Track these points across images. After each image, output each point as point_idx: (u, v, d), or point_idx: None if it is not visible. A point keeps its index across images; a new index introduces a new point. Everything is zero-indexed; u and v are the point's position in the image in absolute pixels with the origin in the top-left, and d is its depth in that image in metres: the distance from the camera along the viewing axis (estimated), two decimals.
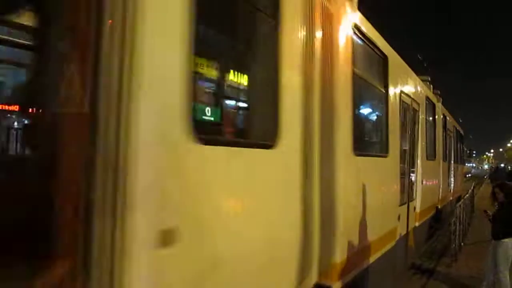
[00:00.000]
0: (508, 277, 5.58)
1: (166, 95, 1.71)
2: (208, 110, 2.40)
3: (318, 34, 3.18)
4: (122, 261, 1.51)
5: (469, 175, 50.43)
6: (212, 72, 2.63)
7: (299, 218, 2.83)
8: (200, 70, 2.38)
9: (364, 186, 3.99)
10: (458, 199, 11.72)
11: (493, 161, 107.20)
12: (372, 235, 4.21)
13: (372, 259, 4.31)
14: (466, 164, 17.04)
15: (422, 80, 8.28)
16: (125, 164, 1.54)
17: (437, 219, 9.70)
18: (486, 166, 52.58)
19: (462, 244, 8.89)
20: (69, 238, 1.58)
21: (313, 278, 3.10)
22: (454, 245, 8.28)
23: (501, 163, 74.75)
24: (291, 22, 2.78)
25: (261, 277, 2.39)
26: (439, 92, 11.35)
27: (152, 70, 1.63)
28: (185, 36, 1.78)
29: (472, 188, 16.16)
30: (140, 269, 1.56)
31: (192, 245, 1.80)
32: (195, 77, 2.04)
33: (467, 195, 12.53)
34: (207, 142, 1.91)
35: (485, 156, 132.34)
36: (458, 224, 8.52)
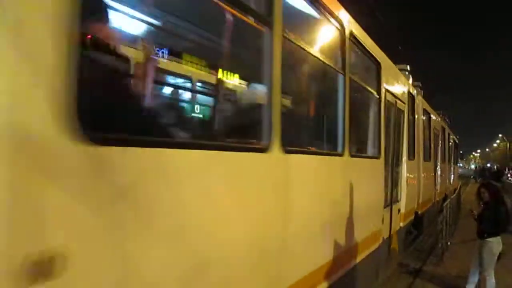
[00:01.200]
0: (493, 276, 5.62)
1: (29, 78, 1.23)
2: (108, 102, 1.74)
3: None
4: None
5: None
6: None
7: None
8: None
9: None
10: (445, 199, 11.66)
11: (480, 161, 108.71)
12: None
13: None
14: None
15: (400, 70, 7.77)
16: None
17: (416, 226, 8.68)
18: (472, 166, 53.20)
19: (449, 243, 8.97)
20: None
21: None
22: (441, 245, 8.35)
23: (488, 163, 75.83)
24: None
25: None
26: (420, 85, 10.54)
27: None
28: None
29: (459, 187, 16.33)
30: None
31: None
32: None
33: (454, 194, 12.67)
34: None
35: (472, 156, 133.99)
36: (445, 223, 8.60)
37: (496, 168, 32.83)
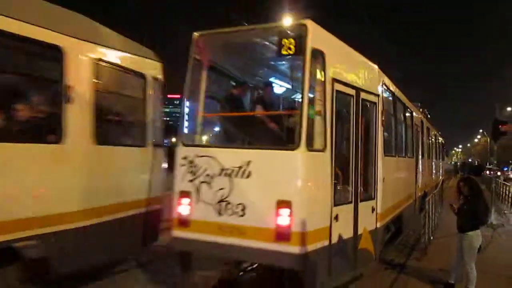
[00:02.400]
0: (474, 268, 5.70)
1: None
2: None
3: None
4: None
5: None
6: None
7: None
8: None
9: None
10: (425, 194, 11.73)
11: (462, 156, 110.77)
12: None
13: None
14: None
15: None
16: None
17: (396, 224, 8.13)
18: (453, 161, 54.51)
19: (432, 238, 9.08)
20: None
21: None
22: (424, 239, 8.43)
23: (469, 158, 77.26)
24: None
25: None
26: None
27: None
28: None
29: (441, 182, 16.57)
30: None
31: None
32: None
33: (436, 189, 12.82)
34: None
35: (454, 151, 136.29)
36: (427, 218, 8.70)
37: (477, 163, 33.79)
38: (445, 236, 9.16)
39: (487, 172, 34.89)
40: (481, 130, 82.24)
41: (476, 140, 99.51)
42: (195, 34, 5.42)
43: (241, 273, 6.13)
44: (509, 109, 46.70)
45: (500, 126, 13.29)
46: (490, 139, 23.78)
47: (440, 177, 19.81)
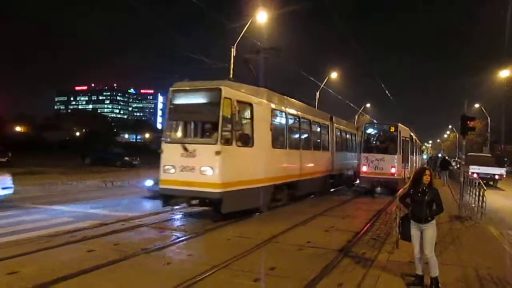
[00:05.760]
0: (435, 255, 5.87)
1: None
2: None
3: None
4: None
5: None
6: None
7: None
8: None
9: None
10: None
11: (432, 151, 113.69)
12: None
13: None
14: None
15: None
16: None
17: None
18: (425, 157, 55.84)
19: (400, 229, 9.19)
20: None
21: None
22: (395, 232, 8.54)
23: (438, 154, 79.43)
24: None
25: None
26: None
27: None
28: None
29: (409, 176, 16.93)
30: None
31: None
32: None
33: (406, 185, 13.06)
34: None
35: (424, 146, 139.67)
36: (398, 212, 8.82)
37: (444, 157, 35.35)
38: None
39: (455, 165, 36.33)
40: (450, 126, 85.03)
41: (445, 135, 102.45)
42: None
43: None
44: (477, 105, 48.27)
45: (468, 122, 13.60)
46: (459, 134, 24.68)
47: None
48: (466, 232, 10.37)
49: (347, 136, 23.03)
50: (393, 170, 18.35)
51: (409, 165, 21.71)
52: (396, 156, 18.59)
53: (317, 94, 36.22)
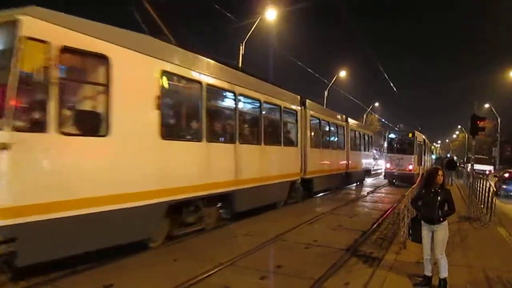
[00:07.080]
0: (445, 255, 5.81)
1: None
2: None
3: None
4: None
5: None
6: None
7: None
8: None
9: None
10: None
11: (441, 151, 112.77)
12: None
13: None
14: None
15: None
16: None
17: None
18: (433, 157, 55.31)
19: (411, 231, 9.12)
20: None
21: None
22: (403, 232, 8.48)
23: (447, 154, 78.85)
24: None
25: None
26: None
27: None
28: None
29: (419, 177, 16.84)
30: None
31: None
32: None
33: (415, 185, 12.96)
34: None
35: (433, 147, 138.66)
36: (407, 212, 8.75)
37: (451, 158, 37.56)
38: None
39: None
40: (459, 126, 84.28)
41: (454, 136, 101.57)
42: None
43: None
44: (486, 105, 47.79)
45: (478, 122, 13.42)
46: (468, 134, 24.92)
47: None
48: (474, 233, 10.26)
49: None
50: (410, 167, 24.14)
51: (422, 163, 27.37)
52: (412, 156, 24.33)
53: (326, 92, 36.20)
